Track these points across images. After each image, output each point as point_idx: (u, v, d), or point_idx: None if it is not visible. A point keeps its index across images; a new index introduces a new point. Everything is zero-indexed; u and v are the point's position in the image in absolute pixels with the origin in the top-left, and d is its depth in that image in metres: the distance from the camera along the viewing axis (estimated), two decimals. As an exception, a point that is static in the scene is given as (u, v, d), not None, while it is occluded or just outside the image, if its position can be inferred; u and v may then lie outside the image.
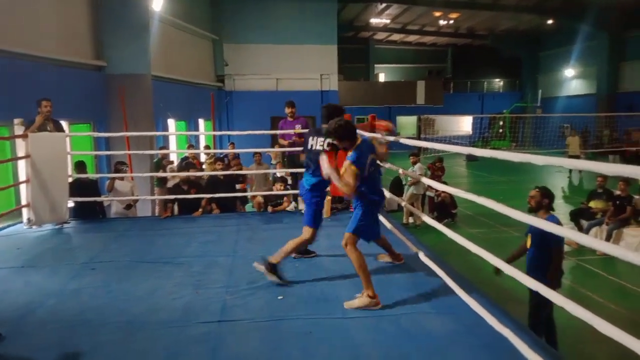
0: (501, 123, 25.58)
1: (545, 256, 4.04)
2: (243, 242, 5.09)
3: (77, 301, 3.53)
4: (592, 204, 8.42)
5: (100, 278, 3.99)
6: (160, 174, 7.55)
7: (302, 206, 6.50)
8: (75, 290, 3.73)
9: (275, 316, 3.21)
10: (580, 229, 8.34)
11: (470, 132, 28.42)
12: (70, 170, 6.14)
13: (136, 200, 7.11)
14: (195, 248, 4.86)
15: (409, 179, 9.56)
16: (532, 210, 4.15)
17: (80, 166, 6.57)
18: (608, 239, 7.74)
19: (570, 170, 14.92)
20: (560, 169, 15.27)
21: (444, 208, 9.75)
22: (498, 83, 32.42)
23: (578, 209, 8.78)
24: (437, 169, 10.37)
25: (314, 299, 3.48)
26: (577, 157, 15.05)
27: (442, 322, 3.05)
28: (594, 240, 2.01)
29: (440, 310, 3.20)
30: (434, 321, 3.07)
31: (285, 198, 6.96)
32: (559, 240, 3.99)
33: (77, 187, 6.26)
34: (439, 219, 9.24)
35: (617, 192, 8.06)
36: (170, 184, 7.35)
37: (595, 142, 19.51)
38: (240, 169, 7.62)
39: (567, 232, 2.28)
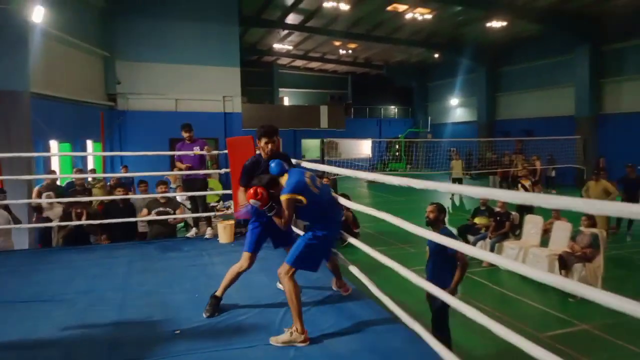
0: (397, 147, 27.30)
1: (443, 266, 4.36)
2: (136, 274, 4.69)
3: None
4: (476, 220, 9.22)
5: (-43, 326, 3.39)
6: (38, 200, 6.75)
7: (207, 232, 6.23)
8: None
9: (171, 352, 2.96)
10: (467, 243, 9.08)
11: (370, 155, 29.90)
12: None
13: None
14: (80, 283, 4.36)
15: None
16: (429, 224, 4.47)
17: None
18: (491, 251, 8.51)
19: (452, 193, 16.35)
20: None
21: (347, 228, 10.00)
22: (393, 110, 34.78)
23: (465, 225, 9.57)
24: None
25: (214, 330, 3.29)
26: (460, 179, 16.62)
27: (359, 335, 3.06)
28: (485, 252, 2.18)
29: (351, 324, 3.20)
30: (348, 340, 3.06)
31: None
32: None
33: None
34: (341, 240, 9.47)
35: (497, 209, 8.93)
36: (50, 214, 6.61)
37: (479, 165, 21.62)
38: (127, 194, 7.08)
39: (460, 245, 2.43)
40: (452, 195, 16.53)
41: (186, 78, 16.42)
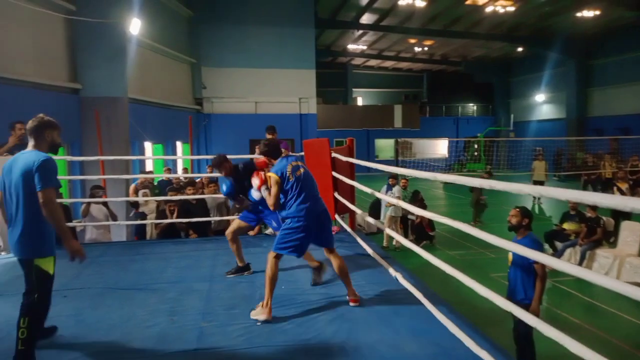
0: (476, 146, 26.19)
1: (524, 274, 4.13)
2: (220, 266, 5.00)
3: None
4: (565, 226, 8.62)
5: (72, 306, 3.84)
6: (134, 198, 7.40)
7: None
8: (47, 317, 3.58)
9: (253, 343, 3.14)
10: (555, 250, 8.51)
11: (447, 155, 28.99)
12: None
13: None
14: (171, 274, 4.74)
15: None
16: (511, 229, 4.25)
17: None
18: (582, 259, 7.90)
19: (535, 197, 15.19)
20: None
21: (422, 230, 9.82)
22: (472, 107, 33.37)
23: (552, 230, 8.97)
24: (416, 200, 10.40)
25: (292, 325, 3.42)
26: (541, 182, 15.11)
27: (420, 345, 3.04)
28: (566, 265, 2.05)
29: (418, 334, 3.19)
30: (412, 344, 3.05)
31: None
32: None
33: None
34: (417, 242, 9.31)
35: (588, 214, 8.28)
36: (145, 209, 7.21)
37: (568, 166, 20.10)
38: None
39: (540, 256, 2.32)
40: (537, 198, 15.37)
41: (265, 81, 17.07)
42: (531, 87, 27.83)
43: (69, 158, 7.84)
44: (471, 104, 33.33)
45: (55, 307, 3.79)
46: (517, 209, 4.29)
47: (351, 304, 3.75)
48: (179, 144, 14.61)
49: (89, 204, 6.63)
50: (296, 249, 3.75)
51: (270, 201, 3.79)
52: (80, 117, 9.12)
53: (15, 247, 2.95)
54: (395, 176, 9.89)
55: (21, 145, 5.72)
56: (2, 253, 5.42)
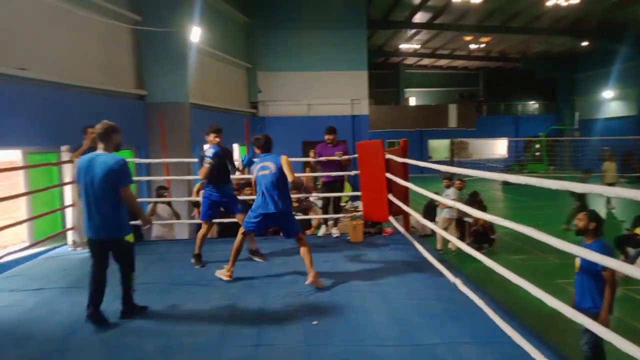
0: (537, 146, 24.97)
1: (593, 281, 3.93)
2: (276, 265, 5.13)
3: (117, 322, 3.64)
4: (638, 231, 8.05)
5: (141, 300, 4.09)
6: (196, 198, 7.74)
7: (333, 231, 6.51)
8: (117, 311, 3.85)
9: (310, 342, 3.21)
10: (627, 256, 7.97)
11: (506, 155, 27.86)
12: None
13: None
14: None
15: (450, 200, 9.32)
16: (579, 233, 4.07)
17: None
18: (657, 267, 7.35)
19: (608, 199, 14.18)
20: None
21: (483, 233, 9.49)
22: (533, 105, 31.82)
23: (623, 235, 8.40)
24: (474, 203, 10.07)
25: (349, 325, 3.46)
26: (612, 185, 13.75)
27: (481, 352, 2.98)
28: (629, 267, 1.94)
29: (479, 340, 3.12)
30: (472, 351, 2.99)
31: (313, 222, 7.02)
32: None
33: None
34: (476, 245, 9.02)
35: (665, 218, 7.69)
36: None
37: (638, 166, 18.72)
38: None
39: (610, 261, 2.21)
40: (609, 201, 14.33)
41: (317, 83, 17.24)
42: (598, 83, 26.09)
43: (137, 160, 8.35)
44: (532, 102, 31.78)
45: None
46: (584, 213, 4.10)
47: (306, 282, 4.30)
48: (235, 146, 15.08)
49: (155, 203, 7.03)
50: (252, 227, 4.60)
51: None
52: (146, 121, 9.69)
53: (104, 230, 3.59)
54: (450, 178, 9.66)
55: (94, 148, 6.18)
56: (78, 248, 5.85)
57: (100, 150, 3.65)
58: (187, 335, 3.37)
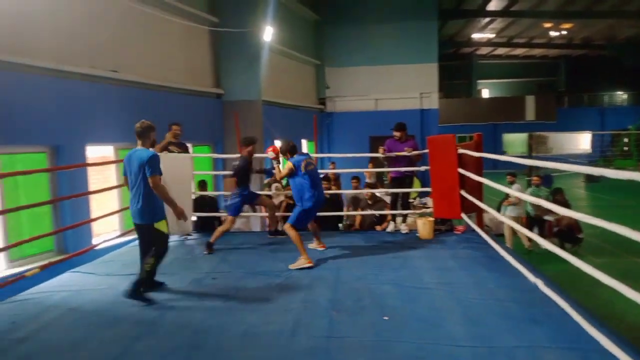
0: (626, 140, 22.90)
1: None
2: (345, 259, 5.20)
3: (201, 307, 3.90)
4: None
5: (220, 287, 4.36)
6: (267, 192, 8.04)
7: (402, 227, 6.46)
8: (200, 296, 4.13)
9: (382, 337, 3.23)
10: None
11: (590, 150, 25.86)
12: (193, 188, 6.81)
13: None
14: (300, 263, 5.08)
15: (511, 197, 8.87)
16: None
17: (202, 184, 7.32)
18: None
19: None
20: None
21: (569, 232, 8.89)
22: (621, 96, 29.18)
23: None
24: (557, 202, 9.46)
25: (420, 323, 3.42)
26: None
27: (565, 357, 2.83)
28: None
29: (563, 345, 2.96)
30: (555, 356, 2.85)
31: (387, 217, 6.99)
32: None
33: (199, 203, 6.95)
34: (560, 245, 8.51)
35: None
36: (276, 201, 7.77)
37: None
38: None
39: None
40: None
41: (385, 78, 17.05)
42: (701, 69, 23.37)
43: (214, 155, 8.83)
44: (620, 92, 29.15)
45: (207, 288, 4.35)
46: None
47: (319, 248, 5.43)
48: (304, 142, 15.38)
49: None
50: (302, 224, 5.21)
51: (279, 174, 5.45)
52: (222, 119, 10.20)
53: (137, 216, 4.08)
54: (514, 174, 9.16)
55: (176, 143, 6.62)
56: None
57: (138, 146, 4.12)
58: (263, 323, 3.52)
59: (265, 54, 10.67)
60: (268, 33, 10.56)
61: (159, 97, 8.19)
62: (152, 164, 3.98)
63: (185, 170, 6.35)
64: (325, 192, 7.22)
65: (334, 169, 12.09)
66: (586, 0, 19.46)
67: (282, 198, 7.68)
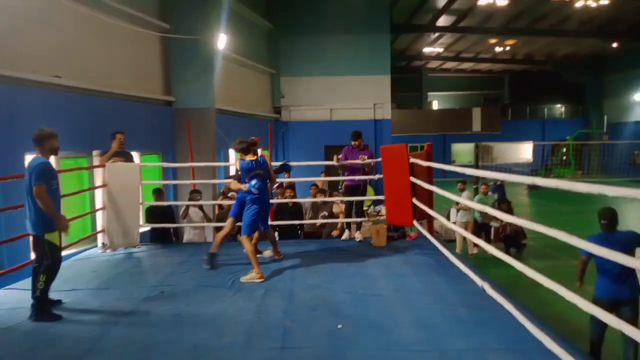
0: (564, 150, 24.39)
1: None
2: (301, 268, 5.17)
3: (148, 322, 3.74)
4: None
5: (169, 301, 4.19)
6: (223, 202, 7.88)
7: (356, 235, 6.52)
8: (147, 311, 3.95)
9: (336, 345, 3.22)
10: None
11: (531, 160, 27.31)
12: (141, 198, 6.56)
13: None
14: (256, 274, 4.99)
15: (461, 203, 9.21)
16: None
17: (158, 193, 7.07)
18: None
19: None
20: (634, 199, 14.21)
21: (514, 237, 9.31)
22: (560, 109, 31.10)
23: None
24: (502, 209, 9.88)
25: (374, 330, 3.45)
26: None
27: (509, 357, 2.94)
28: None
29: (509, 347, 3.08)
30: (501, 358, 2.95)
31: (338, 225, 7.04)
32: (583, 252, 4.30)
33: (155, 213, 6.71)
34: (504, 252, 8.87)
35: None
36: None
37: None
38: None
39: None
40: None
41: (340, 88, 17.29)
42: (628, 85, 25.33)
43: (164, 164, 8.55)
44: (559, 105, 31.06)
45: (154, 302, 4.17)
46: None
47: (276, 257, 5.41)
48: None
49: (187, 207, 7.21)
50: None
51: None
52: (173, 127, 9.91)
53: (29, 226, 3.91)
54: (464, 181, 9.58)
55: (121, 152, 6.37)
56: (108, 251, 6.02)
57: (35, 154, 3.98)
58: (215, 337, 3.42)
59: (219, 61, 10.52)
60: (221, 41, 10.44)
61: (105, 103, 7.86)
62: (37, 172, 3.81)
63: (133, 180, 6.11)
64: (285, 200, 7.21)
65: (289, 177, 12.07)
66: (528, 19, 20.66)
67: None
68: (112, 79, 8.20)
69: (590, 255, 4.30)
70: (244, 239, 5.00)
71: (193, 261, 5.54)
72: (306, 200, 7.69)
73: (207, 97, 10.10)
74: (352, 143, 6.49)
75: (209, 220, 7.36)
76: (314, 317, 3.75)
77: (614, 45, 24.15)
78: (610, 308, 3.85)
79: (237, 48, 12.79)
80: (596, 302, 4.02)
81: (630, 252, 4.03)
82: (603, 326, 4.02)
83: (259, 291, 4.38)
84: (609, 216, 4.33)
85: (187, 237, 7.41)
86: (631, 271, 4.02)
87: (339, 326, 3.52)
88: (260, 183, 4.94)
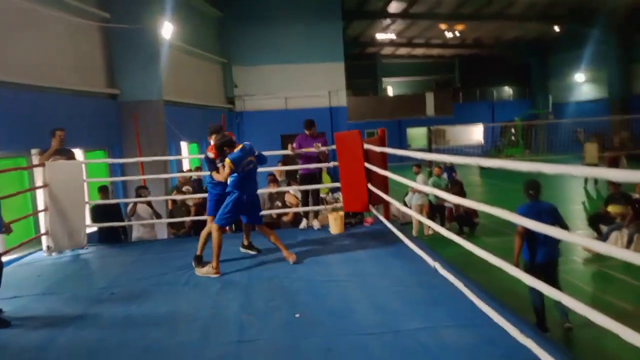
0: (513, 131, 25.38)
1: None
2: (256, 259, 5.10)
3: (97, 326, 3.57)
4: (610, 209, 8.26)
5: (120, 302, 4.03)
6: (177, 197, 7.65)
7: (314, 223, 6.51)
8: (96, 315, 3.78)
9: (294, 335, 3.20)
10: (600, 233, 8.19)
11: (482, 142, 28.27)
12: (87, 197, 6.26)
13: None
14: (211, 269, 4.88)
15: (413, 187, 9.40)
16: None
17: (104, 190, 6.74)
18: (629, 243, 7.57)
19: (586, 180, 14.46)
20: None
21: (466, 218, 9.62)
22: (508, 91, 32.26)
23: (596, 214, 8.63)
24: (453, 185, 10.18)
25: (331, 316, 3.46)
26: (595, 165, 13.85)
27: (462, 334, 3.02)
28: (608, 246, 1.99)
29: (460, 323, 3.16)
30: (453, 334, 3.03)
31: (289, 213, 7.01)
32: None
33: (101, 212, 6.40)
34: (458, 231, 9.16)
35: (636, 196, 7.91)
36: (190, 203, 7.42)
37: (614, 147, 19.18)
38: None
39: (584, 240, 2.25)
40: (586, 183, 14.63)
41: (294, 76, 17.16)
42: (570, 67, 26.61)
43: (110, 161, 8.19)
44: (507, 87, 32.22)
45: (104, 304, 4.00)
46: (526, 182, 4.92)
47: (290, 261, 4.74)
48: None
49: (135, 204, 6.92)
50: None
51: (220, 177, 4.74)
52: (119, 121, 9.49)
53: None
54: (419, 165, 9.79)
55: (62, 150, 6.03)
56: (53, 254, 5.72)
57: None
58: (168, 336, 3.32)
59: (165, 51, 10.15)
60: (167, 29, 10.06)
61: (43, 99, 7.41)
62: None
63: (76, 178, 5.81)
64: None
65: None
66: (476, 4, 21.19)
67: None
68: (50, 72, 7.73)
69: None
70: (213, 227, 4.70)
71: (145, 260, 5.36)
72: (263, 191, 7.59)
73: (154, 89, 9.73)
74: (305, 131, 6.44)
75: (158, 216, 7.12)
76: (271, 308, 3.71)
77: (556, 28, 25.23)
78: (542, 271, 4.36)
79: (185, 37, 12.38)
80: (530, 268, 4.36)
81: (554, 220, 4.64)
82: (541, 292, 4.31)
83: (214, 286, 4.29)
84: (536, 187, 4.80)
85: (136, 234, 7.14)
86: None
87: (297, 315, 3.50)
88: (237, 175, 4.63)
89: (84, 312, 3.84)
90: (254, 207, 4.95)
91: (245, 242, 5.37)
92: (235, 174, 4.63)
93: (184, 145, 12.53)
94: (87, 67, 8.93)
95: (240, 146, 4.73)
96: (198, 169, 10.48)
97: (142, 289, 4.34)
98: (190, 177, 8.09)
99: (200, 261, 4.81)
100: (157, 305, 3.92)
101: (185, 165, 11.82)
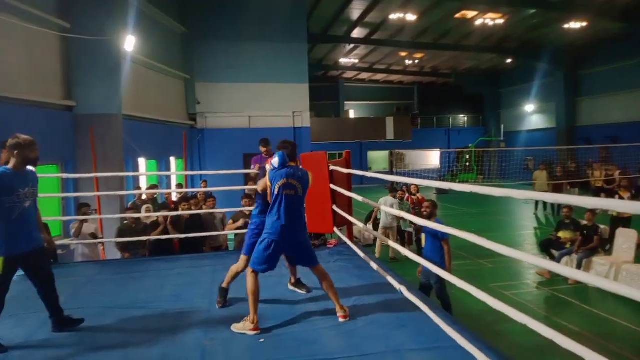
0: (467, 157, 26.39)
1: (436, 248, 5.52)
2: (219, 282, 4.94)
3: (45, 352, 3.32)
4: (560, 234, 8.67)
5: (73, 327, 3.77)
6: (132, 215, 7.34)
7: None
8: (43, 340, 3.51)
9: (257, 360, 3.10)
10: (552, 258, 8.55)
11: (439, 166, 29.18)
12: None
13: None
14: (169, 291, 4.67)
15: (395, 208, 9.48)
16: (427, 217, 5.74)
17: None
18: (578, 268, 7.93)
19: (537, 205, 15.18)
20: (527, 200, 15.78)
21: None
22: (463, 118, 33.71)
23: (548, 239, 9.01)
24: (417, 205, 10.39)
25: (296, 341, 3.38)
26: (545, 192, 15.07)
27: (427, 357, 3.03)
28: (564, 268, 2.08)
29: (425, 347, 3.17)
30: (417, 357, 3.03)
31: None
32: (446, 235, 5.38)
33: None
34: (418, 252, 9.27)
35: (584, 222, 8.34)
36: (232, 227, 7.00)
37: (560, 175, 20.32)
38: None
39: (540, 261, 2.33)
40: (536, 208, 15.34)
41: (258, 96, 17.15)
42: (521, 97, 28.22)
43: (64, 176, 7.76)
44: (462, 115, 33.67)
45: (52, 330, 3.72)
46: (429, 202, 6.12)
47: (340, 319, 3.68)
48: (172, 160, 14.56)
49: (81, 222, 6.56)
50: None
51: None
52: (74, 134, 9.08)
53: None
54: (393, 189, 9.91)
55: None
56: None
57: None
58: (124, 363, 3.12)
59: (127, 64, 9.90)
60: (129, 43, 9.83)
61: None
62: None
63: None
64: (190, 212, 6.84)
65: (205, 187, 11.65)
66: (434, 34, 22.14)
67: (240, 223, 6.85)
68: (1, 80, 7.33)
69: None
70: (248, 271, 3.82)
71: (97, 281, 5.07)
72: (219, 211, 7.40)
73: (113, 102, 9.42)
74: (261, 150, 6.43)
75: (95, 237, 6.79)
76: (234, 334, 3.58)
77: (509, 60, 26.75)
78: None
79: (147, 51, 12.15)
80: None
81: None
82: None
83: (174, 310, 4.10)
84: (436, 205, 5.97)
85: (80, 252, 6.77)
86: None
87: (261, 340, 3.40)
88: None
89: (29, 337, 3.57)
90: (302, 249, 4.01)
91: (293, 280, 4.59)
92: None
93: (142, 161, 12.14)
94: (42, 77, 8.55)
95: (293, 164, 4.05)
96: (155, 186, 10.17)
97: (95, 313, 4.06)
98: (153, 195, 7.80)
99: (224, 295, 4.21)
100: (110, 331, 3.69)
101: (143, 183, 11.45)
